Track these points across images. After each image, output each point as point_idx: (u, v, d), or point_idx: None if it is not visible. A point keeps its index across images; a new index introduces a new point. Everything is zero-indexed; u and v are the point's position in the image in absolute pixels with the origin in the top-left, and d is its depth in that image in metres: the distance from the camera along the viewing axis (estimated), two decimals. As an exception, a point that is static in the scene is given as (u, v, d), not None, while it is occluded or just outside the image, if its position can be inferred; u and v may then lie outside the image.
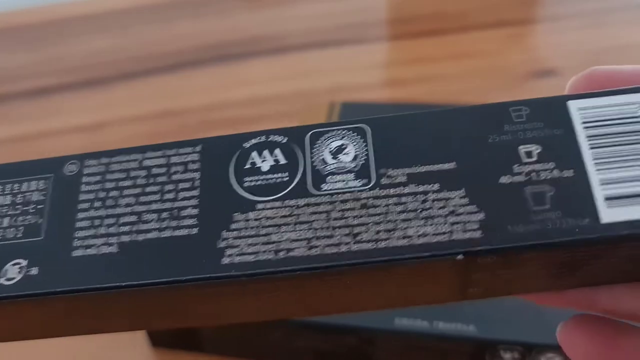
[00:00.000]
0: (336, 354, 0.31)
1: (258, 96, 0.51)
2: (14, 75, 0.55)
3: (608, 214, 0.16)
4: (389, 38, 0.57)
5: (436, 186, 0.17)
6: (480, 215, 0.16)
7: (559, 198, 0.16)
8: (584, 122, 0.17)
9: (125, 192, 0.18)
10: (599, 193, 0.16)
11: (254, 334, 0.31)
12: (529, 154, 0.17)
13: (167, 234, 0.17)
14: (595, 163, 0.16)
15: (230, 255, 0.16)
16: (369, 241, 0.16)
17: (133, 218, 0.17)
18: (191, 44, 0.55)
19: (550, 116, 0.17)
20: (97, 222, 0.17)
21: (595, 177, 0.16)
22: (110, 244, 0.17)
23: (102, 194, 0.18)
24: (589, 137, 0.17)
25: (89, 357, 0.35)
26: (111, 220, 0.17)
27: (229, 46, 0.55)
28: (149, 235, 0.17)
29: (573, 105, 0.17)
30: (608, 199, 0.16)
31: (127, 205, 0.18)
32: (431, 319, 0.29)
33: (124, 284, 0.16)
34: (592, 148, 0.17)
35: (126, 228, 0.17)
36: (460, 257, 0.16)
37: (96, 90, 0.52)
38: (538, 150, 0.17)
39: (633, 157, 0.16)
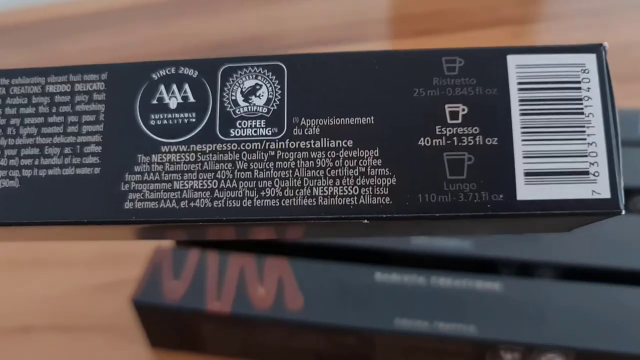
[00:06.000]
0: (336, 354, 0.31)
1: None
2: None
3: (525, 191, 0.15)
4: (390, 37, 0.57)
5: (350, 143, 0.15)
6: (392, 180, 0.15)
7: (478, 168, 0.15)
8: (520, 83, 0.15)
9: (27, 120, 0.16)
10: (520, 167, 0.15)
11: (254, 334, 0.31)
12: (454, 115, 0.15)
13: (69, 171, 0.16)
14: (523, 132, 0.15)
15: (132, 200, 0.16)
16: (273, 197, 0.15)
17: (35, 151, 0.16)
18: (190, 43, 0.55)
19: (485, 72, 0.15)
20: None
21: (519, 148, 0.15)
22: (11, 178, 0.16)
23: (2, 121, 0.16)
24: (522, 101, 0.15)
25: (87, 357, 0.35)
26: (12, 152, 0.16)
27: (229, 45, 0.54)
28: (51, 172, 0.16)
29: (512, 61, 0.15)
30: (528, 174, 0.15)
31: (29, 135, 0.16)
32: (431, 319, 0.28)
33: (24, 221, 0.16)
34: (522, 114, 0.15)
35: (28, 161, 0.16)
36: (365, 221, 0.15)
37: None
38: (464, 112, 0.15)
39: (561, 129, 0.15)
